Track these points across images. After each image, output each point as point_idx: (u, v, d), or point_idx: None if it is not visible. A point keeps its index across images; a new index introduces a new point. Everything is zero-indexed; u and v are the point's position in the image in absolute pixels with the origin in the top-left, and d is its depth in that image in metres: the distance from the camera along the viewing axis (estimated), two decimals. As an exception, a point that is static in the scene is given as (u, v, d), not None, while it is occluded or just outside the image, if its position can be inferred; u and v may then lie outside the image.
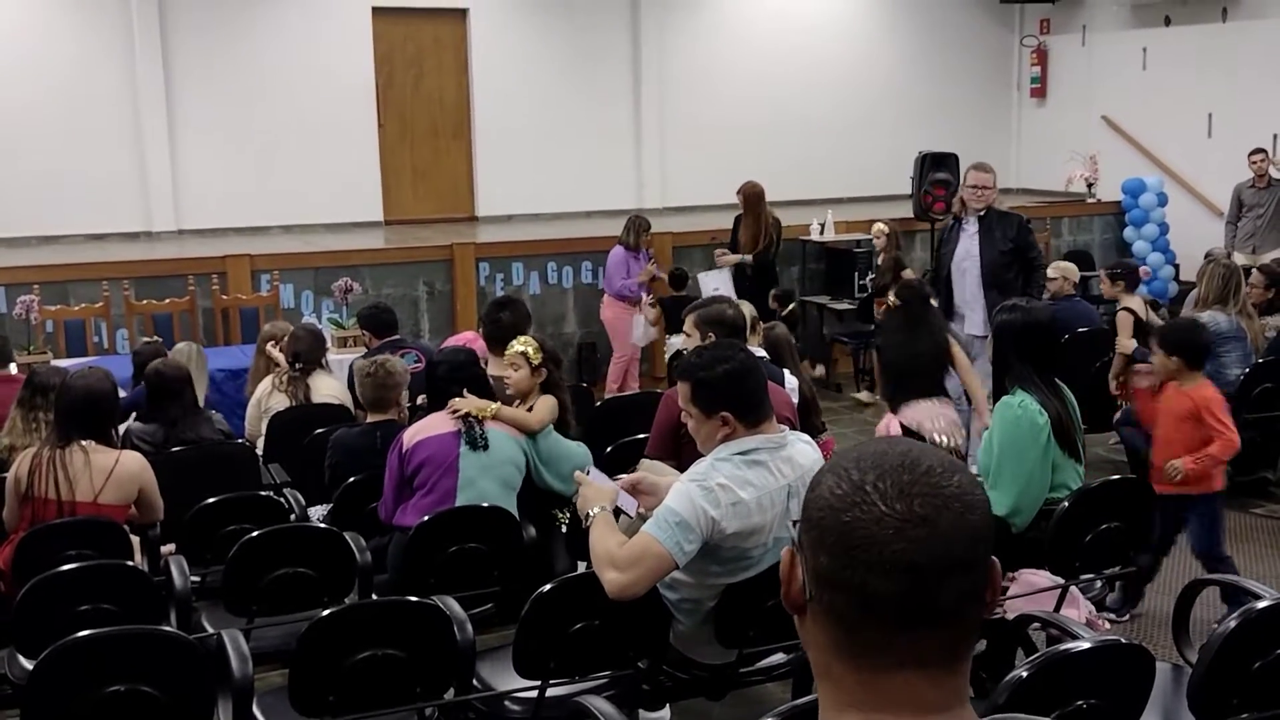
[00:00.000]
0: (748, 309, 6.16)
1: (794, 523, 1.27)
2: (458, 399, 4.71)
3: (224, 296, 9.16)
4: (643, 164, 12.82)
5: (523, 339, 5.12)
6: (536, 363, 4.94)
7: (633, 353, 9.69)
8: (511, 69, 12.21)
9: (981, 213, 7.48)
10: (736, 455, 3.39)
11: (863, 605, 1.16)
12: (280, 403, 6.29)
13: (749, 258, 9.89)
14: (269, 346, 6.88)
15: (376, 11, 11.68)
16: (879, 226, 10.07)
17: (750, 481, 3.37)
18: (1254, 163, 10.60)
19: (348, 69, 11.58)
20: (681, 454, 4.19)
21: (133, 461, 4.80)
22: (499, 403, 4.89)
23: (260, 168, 11.24)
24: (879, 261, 9.94)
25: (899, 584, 1.15)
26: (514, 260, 10.30)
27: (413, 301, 9.80)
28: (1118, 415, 7.24)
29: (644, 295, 9.66)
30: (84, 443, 4.67)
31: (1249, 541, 6.54)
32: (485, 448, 4.63)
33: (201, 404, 6.03)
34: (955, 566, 1.17)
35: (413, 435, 4.70)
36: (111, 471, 4.67)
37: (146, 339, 7.79)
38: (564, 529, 4.87)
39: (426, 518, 4.35)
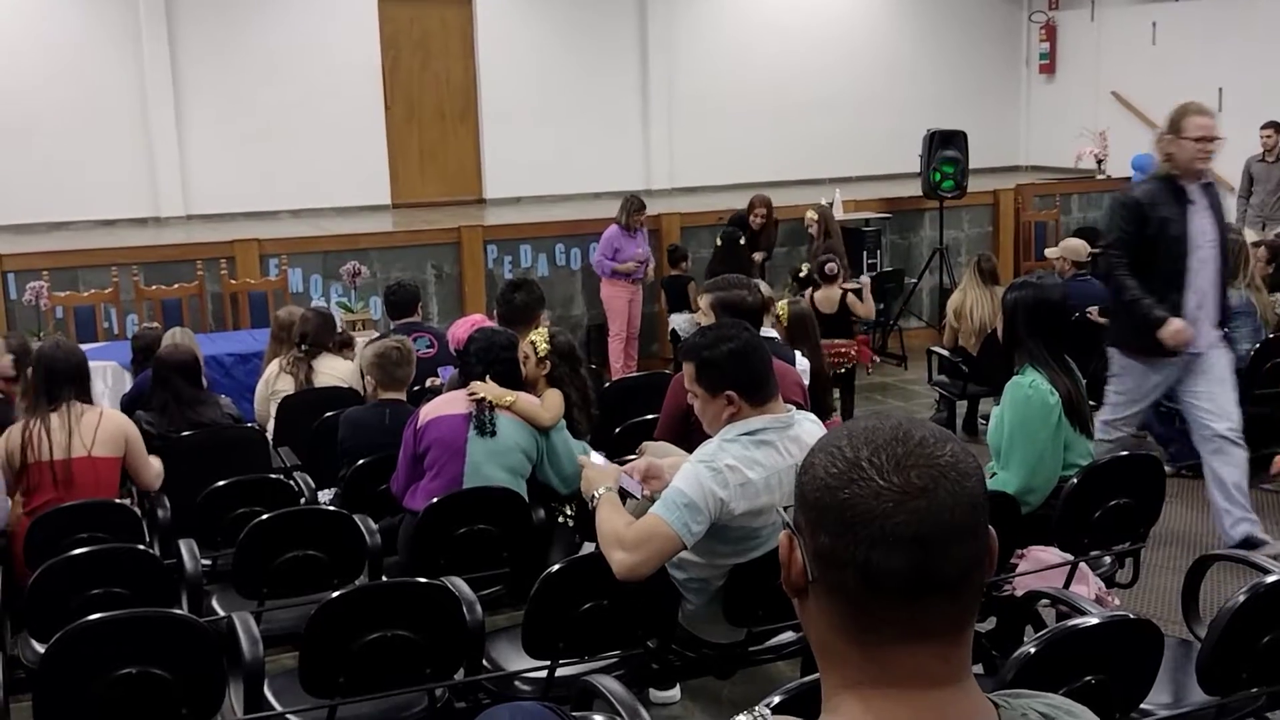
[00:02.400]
0: (764, 288, 6.15)
1: (787, 507, 1.27)
2: (478, 383, 4.69)
3: (233, 281, 9.18)
4: (650, 145, 12.79)
5: (538, 330, 5.09)
6: (541, 354, 4.91)
7: (629, 330, 9.70)
8: (518, 51, 12.18)
9: (1208, 178, 5.68)
10: (744, 435, 3.38)
11: (867, 581, 1.16)
12: (286, 384, 6.32)
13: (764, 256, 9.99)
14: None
15: (382, -6, 11.66)
16: (810, 214, 9.93)
17: (758, 461, 3.37)
18: (1264, 137, 10.54)
19: (354, 52, 11.57)
20: (691, 439, 4.19)
21: (116, 415, 5.03)
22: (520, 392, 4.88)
23: (268, 152, 11.23)
24: (812, 248, 9.76)
25: (903, 557, 1.15)
26: (522, 242, 10.29)
27: (421, 285, 9.77)
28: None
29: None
30: (69, 403, 4.81)
31: (1260, 518, 6.51)
32: (493, 434, 4.59)
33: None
34: (957, 534, 1.17)
35: (428, 412, 4.70)
36: (98, 425, 4.82)
37: (147, 325, 7.81)
38: (570, 524, 4.84)
39: (435, 500, 4.36)
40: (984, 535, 1.20)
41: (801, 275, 9.61)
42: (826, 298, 8.48)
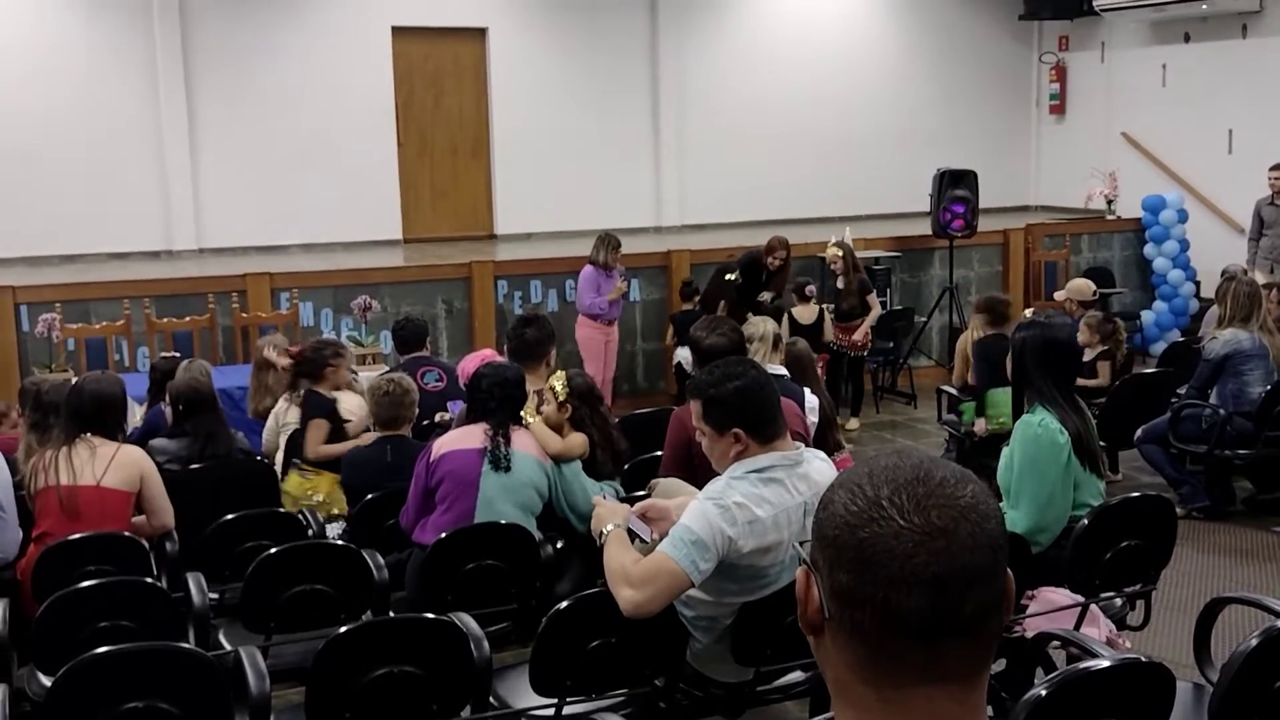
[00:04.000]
0: (770, 327, 6.13)
1: (803, 543, 1.26)
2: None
3: (244, 314, 9.20)
4: (661, 182, 12.84)
5: (556, 375, 5.09)
6: (561, 399, 4.91)
7: (605, 373, 9.58)
8: (530, 88, 12.26)
9: None
10: (752, 473, 3.38)
11: (885, 621, 1.16)
12: (295, 417, 6.32)
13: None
14: (268, 350, 6.90)
15: (396, 31, 11.76)
16: (832, 250, 9.91)
17: (767, 499, 3.36)
18: (1274, 179, 10.55)
19: (368, 88, 11.66)
20: (695, 473, 4.19)
21: (134, 450, 5.00)
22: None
23: (280, 186, 11.30)
24: (839, 285, 9.82)
25: (922, 598, 1.14)
26: (532, 278, 10.32)
27: (431, 319, 9.80)
28: (1139, 433, 7.21)
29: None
30: (87, 437, 4.83)
31: (1271, 560, 6.49)
32: (508, 469, 4.59)
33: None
34: (977, 577, 1.16)
35: (441, 446, 4.69)
36: (113, 458, 4.82)
37: (165, 354, 7.83)
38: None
39: (445, 534, 4.36)
40: (1003, 577, 1.20)
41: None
42: (807, 311, 9.28)
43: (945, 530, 1.16)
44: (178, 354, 7.81)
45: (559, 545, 4.72)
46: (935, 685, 1.17)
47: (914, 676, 1.17)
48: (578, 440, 4.87)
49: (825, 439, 5.75)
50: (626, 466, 5.37)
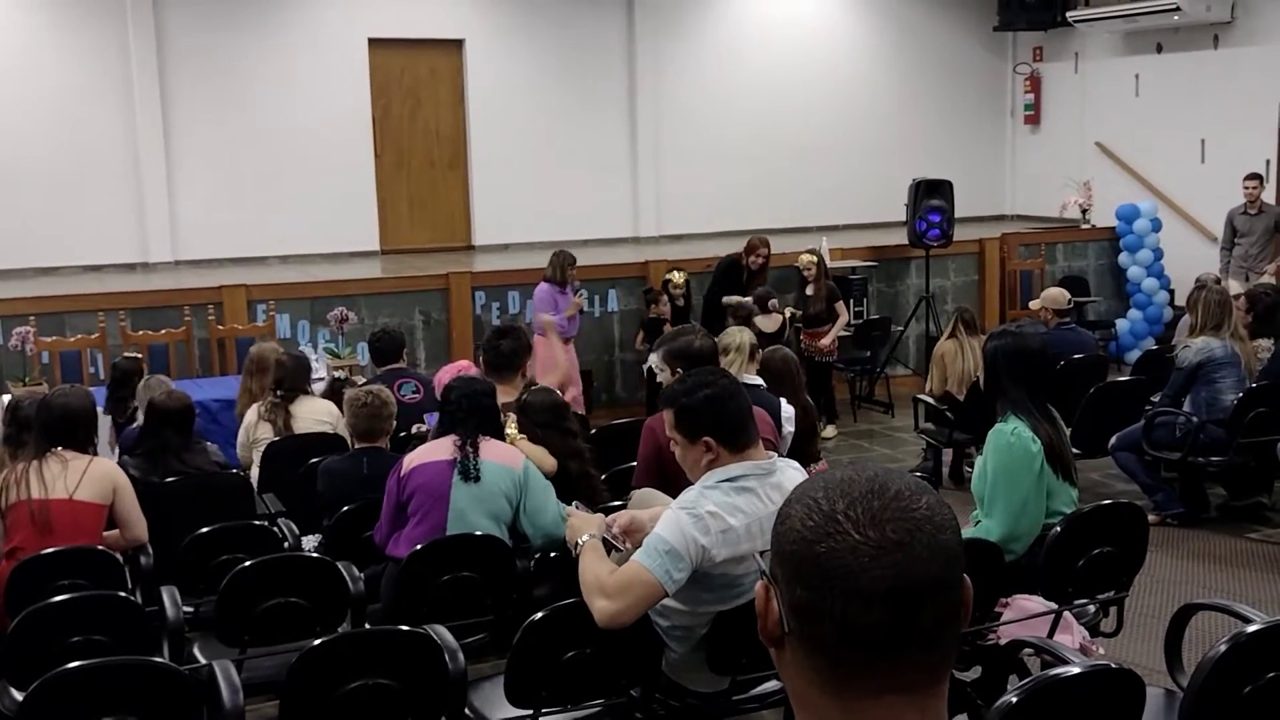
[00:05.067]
0: (746, 337, 6.12)
1: (763, 553, 1.27)
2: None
3: (220, 327, 9.17)
4: (638, 192, 12.86)
5: (512, 420, 5.11)
6: (513, 441, 4.97)
7: (575, 389, 9.47)
8: (507, 99, 12.27)
9: None
10: (725, 482, 3.39)
11: (844, 635, 1.17)
12: (266, 431, 6.31)
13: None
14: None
15: (373, 43, 11.75)
16: (806, 257, 10.03)
17: (740, 508, 3.37)
18: (1247, 188, 10.65)
19: (344, 100, 11.64)
20: (668, 482, 4.20)
21: (106, 463, 5.01)
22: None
23: (257, 198, 11.28)
24: (809, 292, 9.93)
25: (880, 611, 1.15)
26: (510, 289, 10.32)
27: (409, 331, 9.79)
28: (1113, 441, 7.25)
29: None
30: (58, 451, 4.82)
31: (1244, 566, 6.54)
32: (478, 479, 4.58)
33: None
34: (933, 588, 1.17)
35: (412, 460, 4.68)
36: (85, 471, 4.80)
37: (128, 354, 7.79)
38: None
39: (419, 546, 4.35)
40: (959, 587, 1.21)
41: (797, 321, 9.76)
42: (769, 322, 9.33)
43: (901, 543, 1.17)
44: (140, 354, 7.83)
45: (553, 555, 4.69)
46: (896, 695, 1.18)
47: (874, 687, 1.18)
48: (537, 452, 4.91)
49: (805, 449, 5.77)
50: (603, 477, 5.38)
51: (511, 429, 5.02)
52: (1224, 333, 7.05)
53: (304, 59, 11.49)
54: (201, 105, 11.15)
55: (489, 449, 4.68)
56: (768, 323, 9.31)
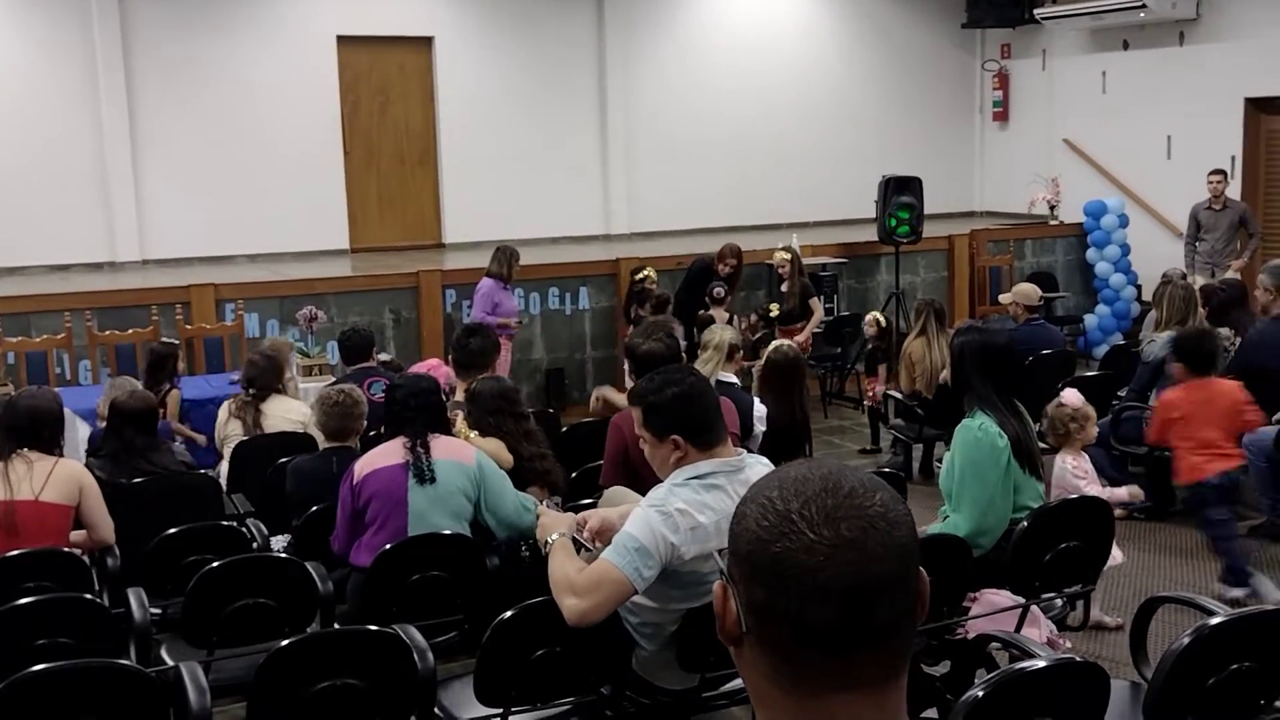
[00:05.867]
0: (728, 336, 6.09)
1: (721, 552, 1.27)
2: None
3: (188, 326, 9.11)
4: (609, 190, 12.87)
5: (461, 421, 5.10)
6: (465, 437, 4.97)
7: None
8: (477, 96, 12.25)
9: None
10: (693, 479, 3.40)
11: (800, 633, 1.17)
12: (236, 429, 6.29)
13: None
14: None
15: (342, 40, 11.70)
16: (780, 255, 10.08)
17: (708, 505, 3.38)
18: (1214, 183, 10.73)
19: (313, 97, 11.59)
20: (636, 479, 4.21)
21: (72, 464, 4.98)
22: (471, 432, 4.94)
23: (225, 196, 11.21)
24: (784, 289, 9.98)
25: (835, 609, 1.16)
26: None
27: (379, 329, 9.77)
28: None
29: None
30: (24, 452, 4.78)
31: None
32: (433, 480, 4.54)
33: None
34: (888, 586, 1.18)
35: (363, 467, 4.63)
36: (51, 472, 4.78)
37: (165, 339, 7.81)
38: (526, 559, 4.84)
39: (388, 546, 4.33)
40: (914, 583, 1.21)
41: (773, 315, 9.76)
42: (718, 314, 9.45)
43: (854, 541, 1.17)
44: (176, 341, 7.89)
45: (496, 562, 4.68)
46: (854, 692, 1.19)
47: (832, 684, 1.19)
48: (489, 445, 4.90)
49: (801, 449, 5.76)
50: (574, 475, 5.38)
51: (461, 425, 4.98)
52: (1189, 327, 7.10)
53: (272, 56, 11.43)
54: (169, 103, 11.07)
55: (439, 447, 4.64)
56: (717, 315, 9.39)
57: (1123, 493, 5.72)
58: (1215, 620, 3.16)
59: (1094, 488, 5.45)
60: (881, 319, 9.61)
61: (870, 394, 9.30)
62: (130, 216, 10.98)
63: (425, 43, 12.12)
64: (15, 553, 4.49)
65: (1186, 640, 3.04)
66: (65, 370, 8.76)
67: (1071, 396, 5.79)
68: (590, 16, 12.68)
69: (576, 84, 12.69)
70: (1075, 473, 5.57)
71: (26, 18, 10.66)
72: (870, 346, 9.44)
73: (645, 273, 10.03)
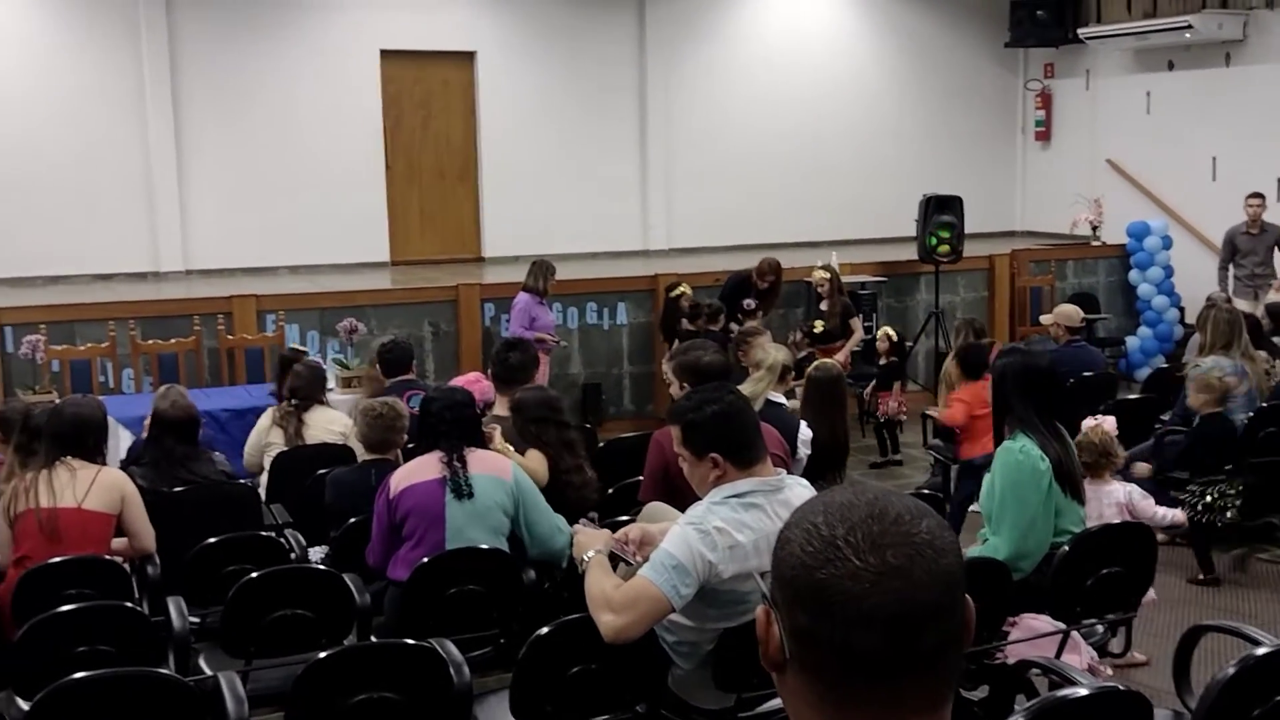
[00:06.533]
0: (781, 356, 6.04)
1: (763, 574, 1.26)
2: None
3: (229, 337, 9.19)
4: (648, 206, 12.88)
5: (497, 433, 5.08)
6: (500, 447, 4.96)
7: None
8: (518, 111, 12.31)
9: None
10: (732, 498, 3.38)
11: (845, 661, 1.16)
12: (277, 437, 6.32)
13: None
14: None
15: (385, 54, 11.80)
16: (819, 273, 10.04)
17: (747, 524, 3.36)
18: (1253, 206, 10.60)
19: (356, 111, 11.69)
20: (675, 496, 4.19)
21: (115, 472, 5.02)
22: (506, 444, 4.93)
23: (268, 208, 11.32)
24: (823, 308, 9.94)
25: (880, 637, 1.15)
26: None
27: (418, 342, 9.80)
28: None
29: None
30: (68, 460, 4.81)
31: (1254, 587, 6.50)
32: (471, 495, 4.53)
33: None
34: (934, 613, 1.17)
35: (399, 481, 4.62)
36: (94, 480, 4.80)
37: (295, 346, 7.85)
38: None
39: (425, 560, 4.34)
40: (960, 610, 1.20)
41: (817, 331, 9.71)
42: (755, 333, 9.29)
43: (900, 569, 1.16)
44: (305, 348, 7.97)
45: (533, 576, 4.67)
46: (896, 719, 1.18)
47: (876, 713, 1.18)
48: (530, 461, 4.89)
49: (835, 466, 5.73)
50: (611, 490, 5.37)
51: (499, 442, 4.97)
52: (1234, 352, 7.03)
53: (316, 70, 11.54)
54: (214, 115, 11.20)
55: (476, 461, 4.63)
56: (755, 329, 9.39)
57: (1181, 516, 5.69)
58: (1262, 650, 3.11)
59: (1162, 509, 5.49)
60: (893, 334, 9.60)
61: (883, 408, 9.30)
62: (174, 227, 11.10)
63: (468, 58, 12.20)
64: (57, 560, 4.54)
65: (1233, 670, 3.00)
66: (109, 379, 8.85)
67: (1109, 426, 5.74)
68: (632, 30, 12.71)
69: (617, 99, 12.73)
70: (1138, 495, 5.54)
71: (75, 30, 10.81)
72: (884, 362, 9.41)
73: (681, 289, 10.01)
